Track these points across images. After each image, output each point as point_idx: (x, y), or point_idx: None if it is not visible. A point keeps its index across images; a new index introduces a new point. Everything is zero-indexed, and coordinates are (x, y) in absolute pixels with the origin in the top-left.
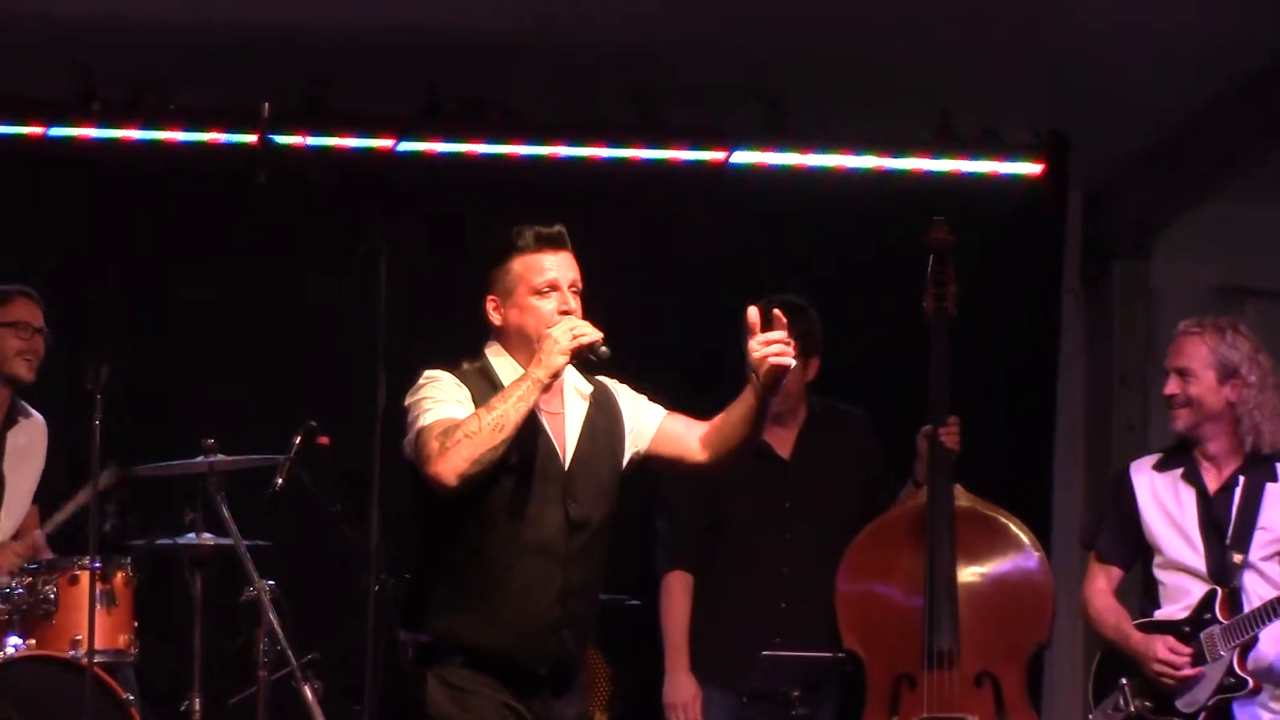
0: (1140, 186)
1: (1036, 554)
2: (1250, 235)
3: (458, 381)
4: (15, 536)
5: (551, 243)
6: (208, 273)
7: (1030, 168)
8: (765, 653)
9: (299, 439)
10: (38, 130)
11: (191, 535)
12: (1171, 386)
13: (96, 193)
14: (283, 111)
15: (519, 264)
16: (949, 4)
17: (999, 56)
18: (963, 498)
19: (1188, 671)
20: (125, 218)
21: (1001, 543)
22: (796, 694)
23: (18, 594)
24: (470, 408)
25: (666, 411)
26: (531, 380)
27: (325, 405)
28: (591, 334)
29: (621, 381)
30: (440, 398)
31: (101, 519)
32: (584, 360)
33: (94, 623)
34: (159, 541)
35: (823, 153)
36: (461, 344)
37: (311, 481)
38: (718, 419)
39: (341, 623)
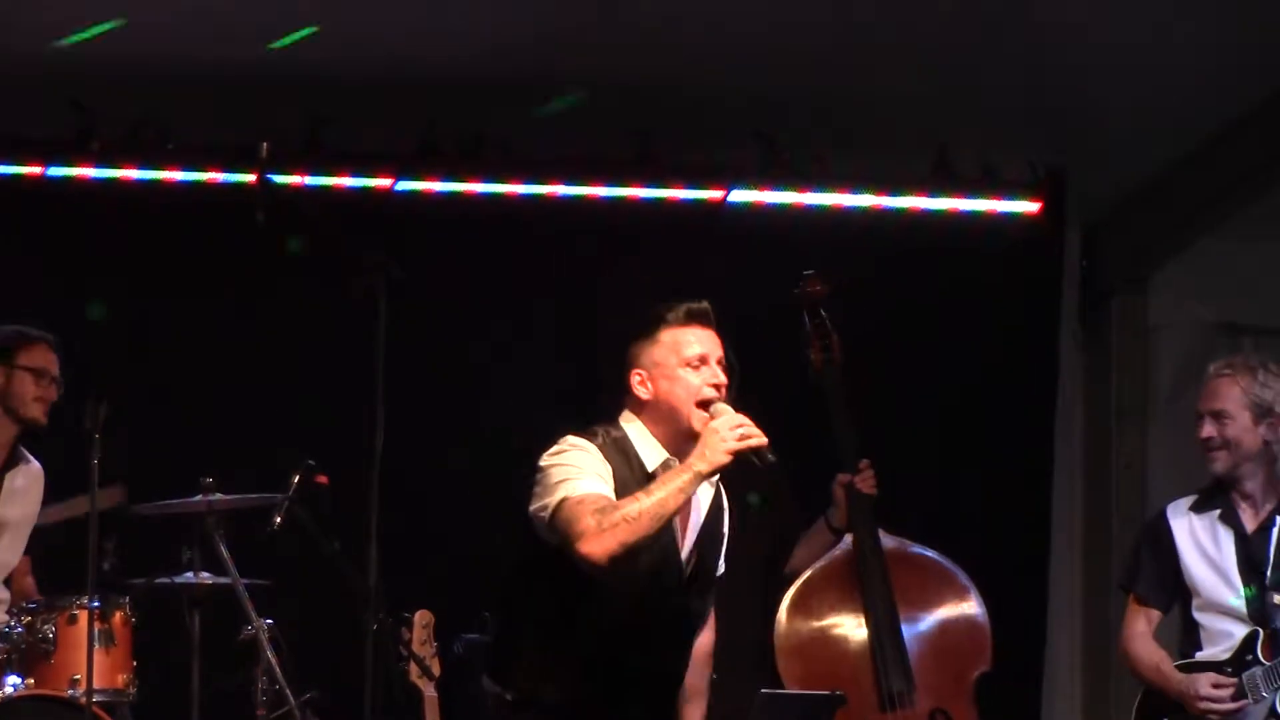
0: (1138, 223)
1: (968, 586)
2: (1248, 272)
3: (602, 457)
4: (6, 582)
5: (700, 318)
6: (206, 311)
7: (1028, 205)
8: (764, 690)
9: (297, 478)
10: (36, 170)
11: (190, 574)
12: (1207, 430)
13: (95, 232)
14: (281, 151)
15: (668, 336)
16: (946, 43)
17: (996, 95)
18: (885, 539)
19: (1231, 705)
20: (124, 257)
21: (933, 580)
22: None
23: (16, 633)
24: (610, 484)
25: None
26: (693, 474)
27: (323, 444)
28: (759, 438)
29: None
30: (587, 470)
31: (100, 558)
32: (745, 463)
33: (92, 662)
34: (157, 580)
35: (820, 191)
36: (462, 382)
37: (310, 520)
38: None
39: (340, 661)
